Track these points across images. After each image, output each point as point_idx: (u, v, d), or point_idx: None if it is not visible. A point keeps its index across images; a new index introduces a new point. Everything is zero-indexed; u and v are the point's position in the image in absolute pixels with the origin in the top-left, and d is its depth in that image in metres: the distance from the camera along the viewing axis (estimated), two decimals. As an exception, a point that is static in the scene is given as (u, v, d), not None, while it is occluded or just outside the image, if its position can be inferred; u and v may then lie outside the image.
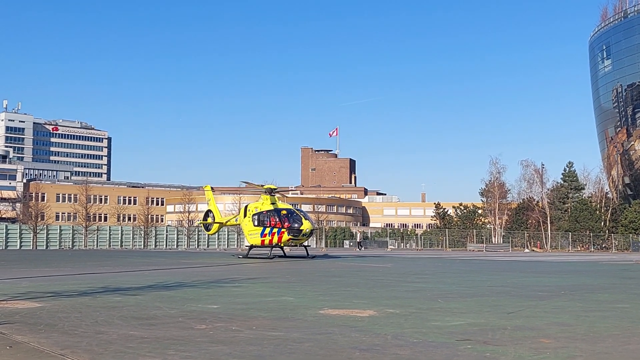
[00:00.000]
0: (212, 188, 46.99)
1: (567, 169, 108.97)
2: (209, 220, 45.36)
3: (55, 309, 10.34)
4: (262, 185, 39.60)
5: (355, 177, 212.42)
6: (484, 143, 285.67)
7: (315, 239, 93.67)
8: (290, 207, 39.93)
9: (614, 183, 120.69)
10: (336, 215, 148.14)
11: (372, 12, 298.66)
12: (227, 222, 46.11)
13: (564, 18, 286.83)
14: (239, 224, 43.14)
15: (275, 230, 37.40)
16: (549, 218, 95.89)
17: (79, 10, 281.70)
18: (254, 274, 22.76)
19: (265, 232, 37.89)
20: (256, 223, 38.54)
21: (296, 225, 37.03)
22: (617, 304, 12.23)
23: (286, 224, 37.08)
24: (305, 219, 37.75)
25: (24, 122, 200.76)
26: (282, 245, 38.64)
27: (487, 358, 6.40)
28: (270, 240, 37.80)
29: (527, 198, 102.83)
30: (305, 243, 40.96)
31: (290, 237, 37.19)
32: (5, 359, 6.30)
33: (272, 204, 38.68)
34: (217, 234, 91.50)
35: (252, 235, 39.08)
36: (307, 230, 37.37)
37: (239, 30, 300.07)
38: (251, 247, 40.21)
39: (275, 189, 40.70)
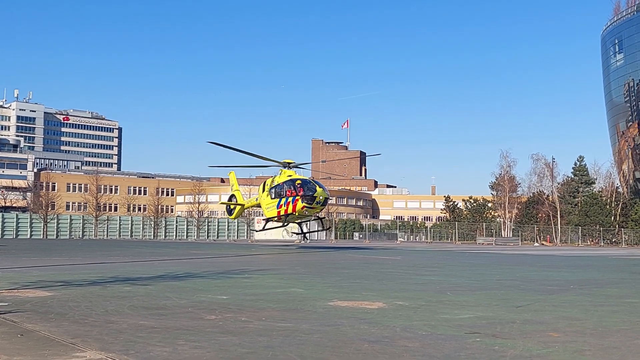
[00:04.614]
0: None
1: (578, 163, 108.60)
2: (232, 203, 46.50)
3: (66, 298, 10.42)
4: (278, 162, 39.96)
5: (365, 170, 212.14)
6: (494, 137, 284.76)
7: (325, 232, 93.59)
8: (305, 177, 40.02)
9: (625, 178, 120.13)
10: (346, 208, 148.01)
11: (383, 6, 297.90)
12: (248, 203, 46.78)
13: (576, 12, 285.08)
14: (259, 203, 43.53)
15: (290, 199, 37.46)
16: (559, 212, 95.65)
17: (91, 2, 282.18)
18: (264, 265, 22.83)
19: (280, 203, 38.04)
20: (273, 196, 38.83)
21: (310, 192, 36.90)
22: (626, 299, 12.21)
23: (300, 192, 37.09)
24: (320, 187, 37.67)
25: (35, 111, 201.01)
26: (296, 214, 38.41)
27: (495, 351, 6.41)
28: (286, 210, 37.82)
29: (537, 192, 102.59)
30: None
31: (304, 204, 37.02)
32: (16, 347, 6.35)
33: (289, 176, 38.81)
34: (226, 225, 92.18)
35: (269, 208, 39.33)
36: (321, 198, 37.21)
37: (250, 23, 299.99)
38: (267, 220, 40.43)
39: (292, 162, 40.78)
